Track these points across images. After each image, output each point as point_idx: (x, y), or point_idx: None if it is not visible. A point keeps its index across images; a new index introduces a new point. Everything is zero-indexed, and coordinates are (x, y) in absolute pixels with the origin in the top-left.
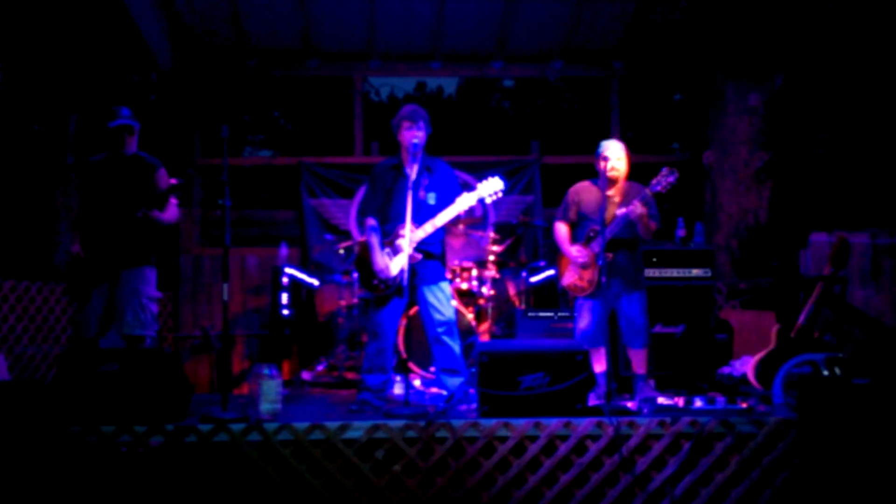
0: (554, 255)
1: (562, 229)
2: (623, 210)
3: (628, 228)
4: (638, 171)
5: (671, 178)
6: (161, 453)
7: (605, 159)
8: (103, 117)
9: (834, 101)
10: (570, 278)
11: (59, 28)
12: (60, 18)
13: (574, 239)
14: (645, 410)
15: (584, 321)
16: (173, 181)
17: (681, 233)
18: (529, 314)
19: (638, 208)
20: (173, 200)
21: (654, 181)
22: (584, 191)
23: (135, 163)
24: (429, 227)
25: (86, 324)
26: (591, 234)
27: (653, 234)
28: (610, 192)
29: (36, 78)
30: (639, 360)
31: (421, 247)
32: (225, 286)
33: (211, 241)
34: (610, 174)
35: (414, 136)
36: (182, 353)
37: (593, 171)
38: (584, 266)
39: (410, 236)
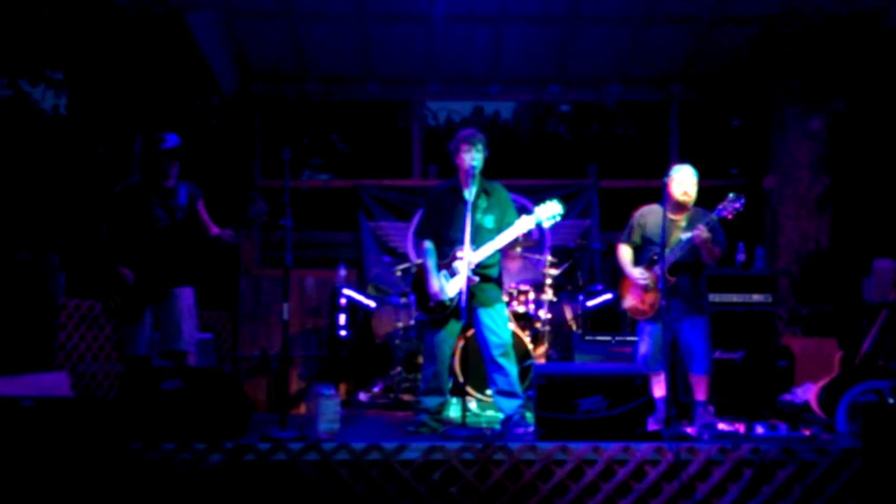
0: (611, 279)
1: (625, 252)
2: (687, 234)
3: (692, 253)
4: (698, 196)
5: (737, 204)
6: (220, 471)
7: (678, 183)
8: (151, 144)
9: None
10: (631, 301)
11: (125, 53)
12: (125, 43)
13: (637, 262)
14: (705, 436)
15: (644, 345)
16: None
17: (741, 257)
18: (587, 338)
19: (703, 233)
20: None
21: (720, 206)
22: (648, 214)
23: (181, 187)
24: (486, 250)
25: (139, 342)
26: (654, 258)
27: (717, 260)
28: (676, 217)
29: (101, 102)
30: (700, 386)
31: (478, 269)
32: (285, 306)
33: (270, 262)
34: (680, 199)
35: (472, 158)
36: (240, 373)
37: (652, 195)
38: (645, 289)
39: (468, 259)
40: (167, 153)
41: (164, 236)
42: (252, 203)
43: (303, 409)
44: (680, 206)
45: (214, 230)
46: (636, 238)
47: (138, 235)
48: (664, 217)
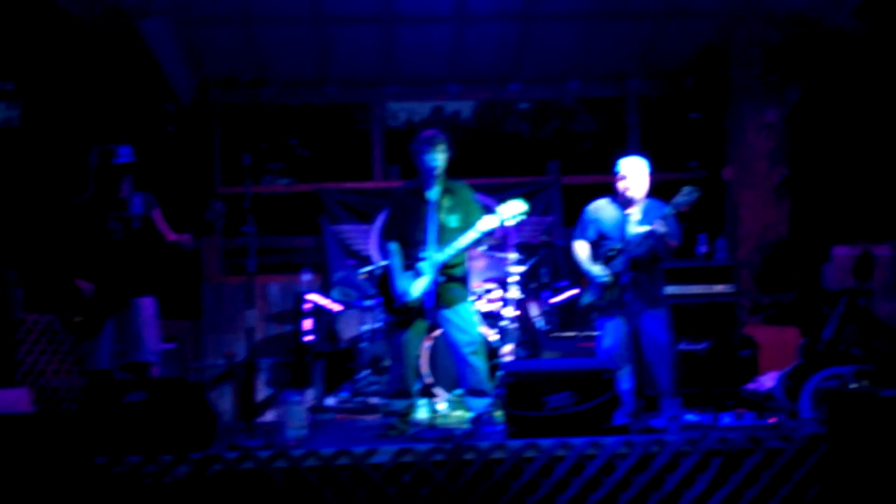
0: (576, 275)
1: (581, 248)
2: (643, 228)
3: (648, 245)
4: (657, 189)
5: (693, 197)
6: (187, 483)
7: (624, 177)
8: (103, 157)
9: (852, 114)
10: (590, 297)
11: (78, 62)
12: (78, 53)
13: (594, 258)
14: (672, 428)
15: (607, 340)
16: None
17: (703, 249)
18: (553, 334)
19: (660, 227)
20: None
21: (675, 199)
22: (601, 209)
23: (135, 198)
24: (451, 250)
25: (101, 355)
26: (611, 253)
27: (672, 252)
28: (629, 210)
29: (55, 112)
30: (664, 378)
31: (443, 269)
32: (249, 312)
33: (232, 269)
34: (629, 193)
35: (434, 159)
36: (205, 382)
37: (613, 190)
38: (605, 286)
39: (433, 259)
40: (119, 167)
41: (119, 248)
42: (209, 208)
43: (270, 416)
44: (631, 200)
45: (172, 237)
46: (591, 234)
47: (94, 248)
48: (626, 214)
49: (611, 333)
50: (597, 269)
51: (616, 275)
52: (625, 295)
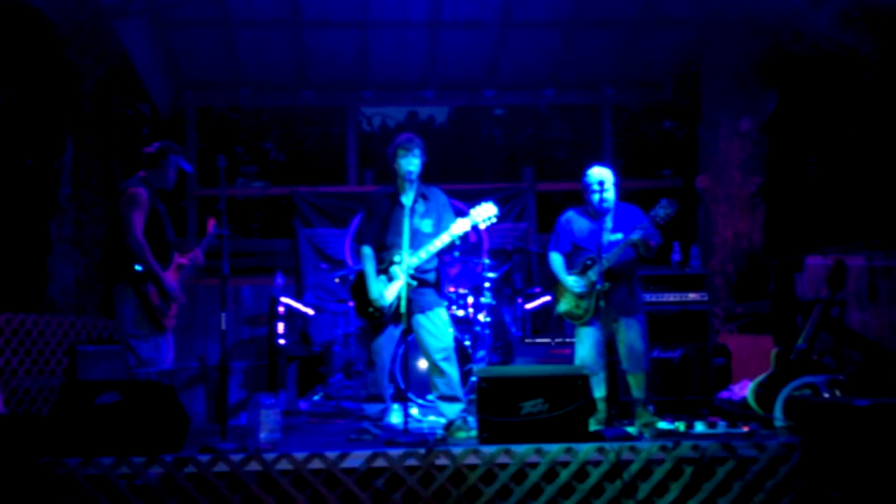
0: (549, 281)
1: (557, 259)
2: (617, 235)
3: (624, 254)
4: (631, 197)
5: (670, 210)
6: (159, 485)
7: (595, 189)
8: (170, 152)
9: (828, 123)
10: (566, 306)
11: (51, 62)
12: (52, 53)
13: (570, 266)
14: (646, 435)
15: (583, 348)
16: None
17: (676, 257)
18: (527, 340)
19: (636, 236)
20: None
21: (652, 212)
22: (573, 220)
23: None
24: (424, 254)
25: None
26: (588, 263)
27: (654, 252)
28: (602, 219)
29: (29, 113)
30: (638, 385)
31: (416, 273)
32: (223, 315)
33: (205, 271)
34: (600, 205)
35: (409, 163)
36: (177, 385)
37: (583, 200)
38: (580, 295)
39: (406, 263)
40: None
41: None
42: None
43: (242, 419)
44: (604, 210)
45: (180, 259)
46: (565, 245)
47: (159, 251)
48: (599, 223)
49: (586, 341)
50: (572, 281)
51: (592, 284)
52: (600, 303)
